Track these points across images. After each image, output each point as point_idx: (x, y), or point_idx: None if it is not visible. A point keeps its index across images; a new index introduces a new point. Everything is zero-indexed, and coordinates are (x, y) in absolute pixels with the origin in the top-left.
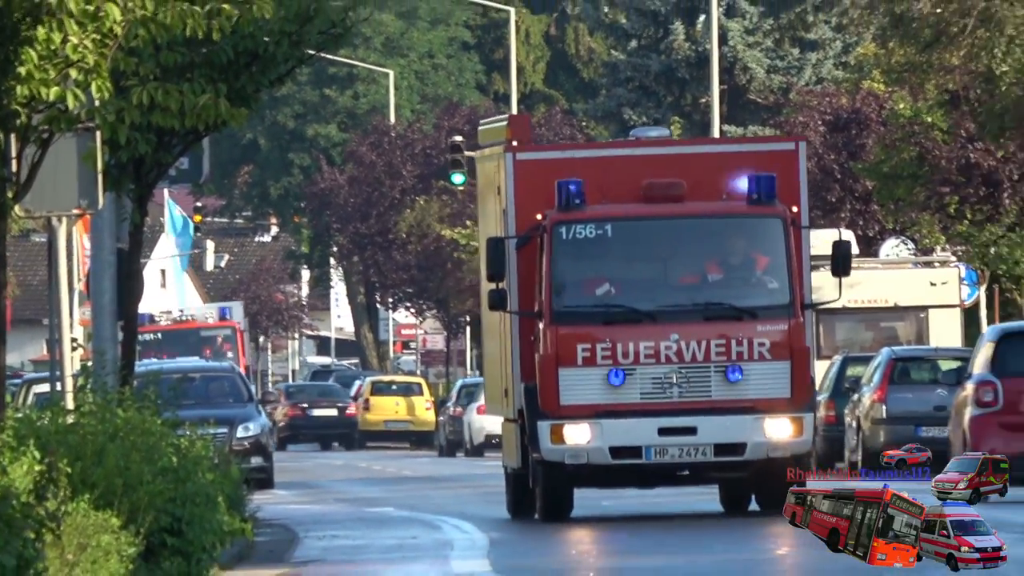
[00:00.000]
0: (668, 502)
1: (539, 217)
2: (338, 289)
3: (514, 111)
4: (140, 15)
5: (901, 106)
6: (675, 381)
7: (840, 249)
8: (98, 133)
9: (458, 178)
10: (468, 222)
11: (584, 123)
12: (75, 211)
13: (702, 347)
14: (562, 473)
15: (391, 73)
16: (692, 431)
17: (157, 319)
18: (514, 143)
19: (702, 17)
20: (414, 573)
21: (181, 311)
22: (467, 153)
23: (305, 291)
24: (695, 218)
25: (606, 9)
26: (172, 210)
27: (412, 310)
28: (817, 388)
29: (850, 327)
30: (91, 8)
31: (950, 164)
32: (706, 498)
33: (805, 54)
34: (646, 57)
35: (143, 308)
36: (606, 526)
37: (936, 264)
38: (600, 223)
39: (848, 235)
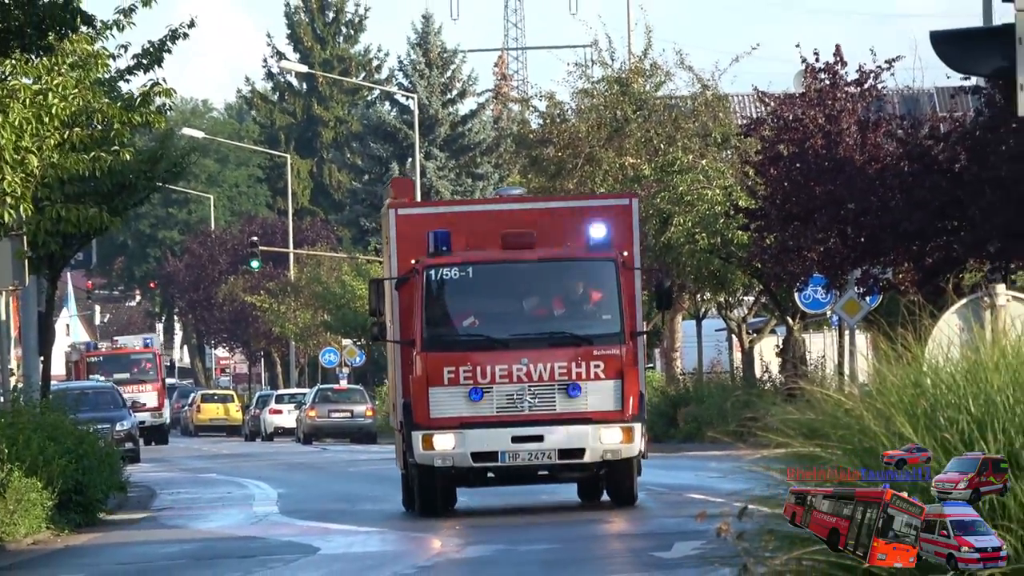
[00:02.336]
0: (533, 496)
1: (413, 262)
2: (180, 335)
3: (290, 224)
4: (50, 162)
5: None
6: (525, 397)
7: (663, 288)
8: (24, 238)
9: (255, 264)
10: (262, 292)
11: (336, 228)
12: (10, 287)
13: (548, 369)
14: (433, 474)
15: (211, 197)
16: (540, 439)
17: (99, 347)
18: (397, 200)
19: (409, 159)
20: (229, 514)
21: (115, 340)
22: (262, 248)
23: (159, 336)
24: (542, 262)
25: (348, 154)
26: (71, 288)
27: (227, 348)
28: None
29: None
30: (19, 157)
31: None
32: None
33: (476, 182)
34: (374, 185)
35: (86, 338)
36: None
37: None
38: (463, 266)
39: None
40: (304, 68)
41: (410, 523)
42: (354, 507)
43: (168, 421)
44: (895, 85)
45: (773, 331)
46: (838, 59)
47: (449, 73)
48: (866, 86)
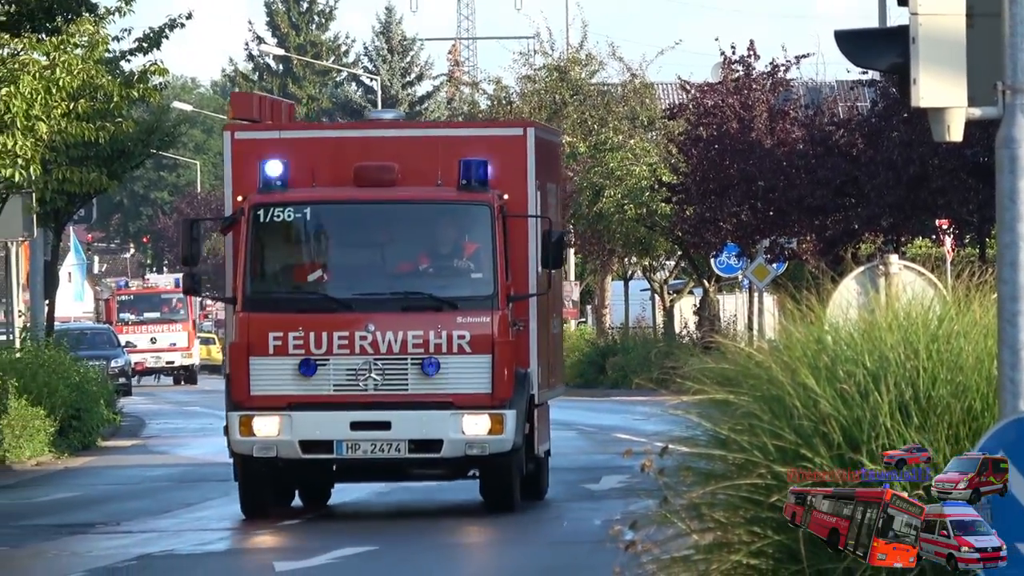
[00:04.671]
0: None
1: (239, 199)
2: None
3: None
4: (57, 129)
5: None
6: (370, 373)
7: (550, 241)
8: (34, 195)
9: None
10: None
11: None
12: (20, 238)
13: (399, 338)
14: (256, 466)
15: (198, 163)
16: (386, 426)
17: (129, 285)
18: (235, 122)
19: None
20: (210, 443)
21: (146, 279)
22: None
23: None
24: (398, 203)
25: None
26: (75, 240)
27: (209, 296)
28: None
29: None
30: (29, 124)
31: None
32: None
33: None
34: None
35: (122, 278)
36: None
37: None
38: (299, 207)
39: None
40: (281, 51)
41: None
42: None
43: (197, 362)
44: (801, 77)
45: (691, 292)
46: (752, 53)
47: (408, 59)
48: (777, 78)
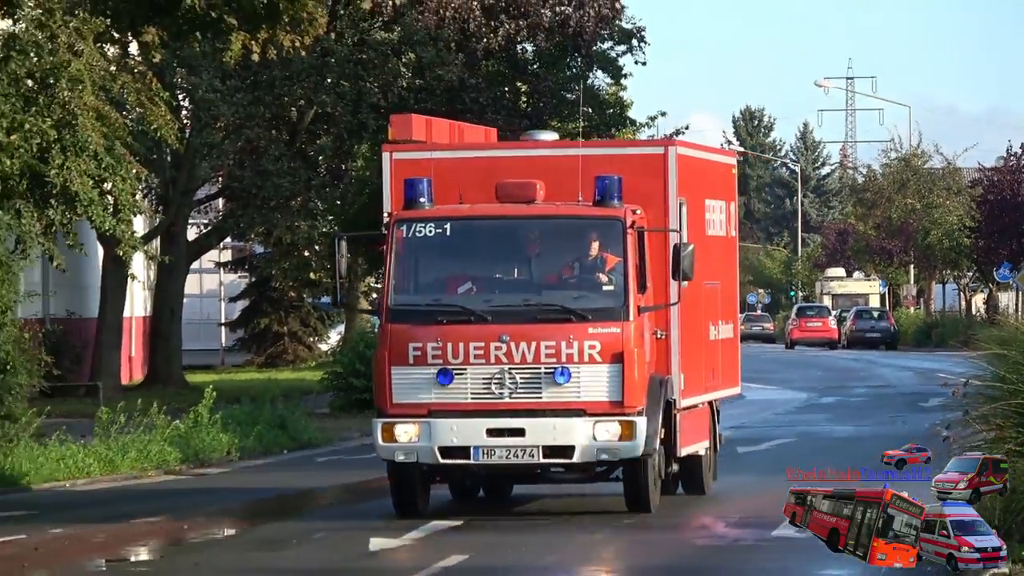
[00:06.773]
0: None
1: (386, 215)
2: None
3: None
4: None
5: (861, 227)
6: (505, 382)
7: (677, 254)
8: None
9: None
10: None
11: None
12: None
13: (532, 348)
14: (405, 470)
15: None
16: (520, 432)
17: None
18: (393, 143)
19: (795, 197)
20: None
21: None
22: None
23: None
24: (531, 219)
25: (762, 195)
26: None
27: None
28: (838, 322)
29: (845, 299)
30: None
31: (875, 246)
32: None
33: (828, 210)
34: (779, 209)
35: None
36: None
37: (872, 278)
38: (440, 222)
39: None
40: (741, 149)
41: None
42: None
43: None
44: None
45: (982, 291)
46: (1022, 151)
47: (816, 152)
48: None
